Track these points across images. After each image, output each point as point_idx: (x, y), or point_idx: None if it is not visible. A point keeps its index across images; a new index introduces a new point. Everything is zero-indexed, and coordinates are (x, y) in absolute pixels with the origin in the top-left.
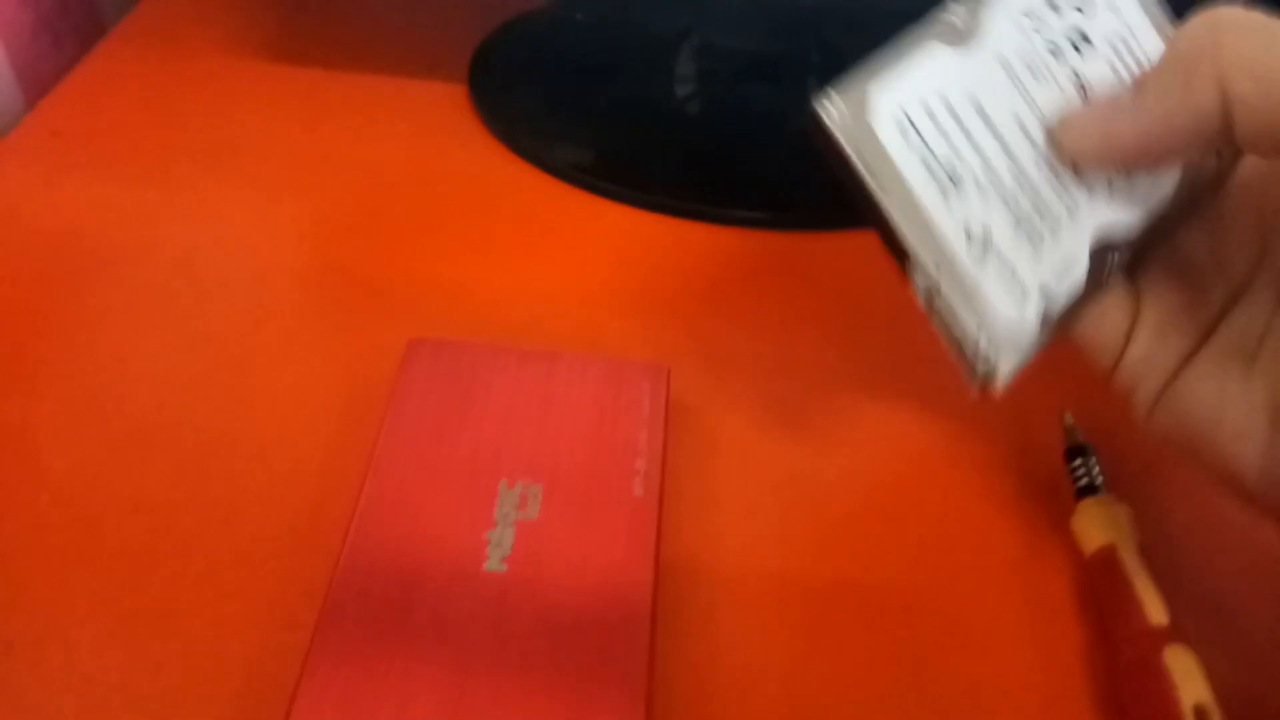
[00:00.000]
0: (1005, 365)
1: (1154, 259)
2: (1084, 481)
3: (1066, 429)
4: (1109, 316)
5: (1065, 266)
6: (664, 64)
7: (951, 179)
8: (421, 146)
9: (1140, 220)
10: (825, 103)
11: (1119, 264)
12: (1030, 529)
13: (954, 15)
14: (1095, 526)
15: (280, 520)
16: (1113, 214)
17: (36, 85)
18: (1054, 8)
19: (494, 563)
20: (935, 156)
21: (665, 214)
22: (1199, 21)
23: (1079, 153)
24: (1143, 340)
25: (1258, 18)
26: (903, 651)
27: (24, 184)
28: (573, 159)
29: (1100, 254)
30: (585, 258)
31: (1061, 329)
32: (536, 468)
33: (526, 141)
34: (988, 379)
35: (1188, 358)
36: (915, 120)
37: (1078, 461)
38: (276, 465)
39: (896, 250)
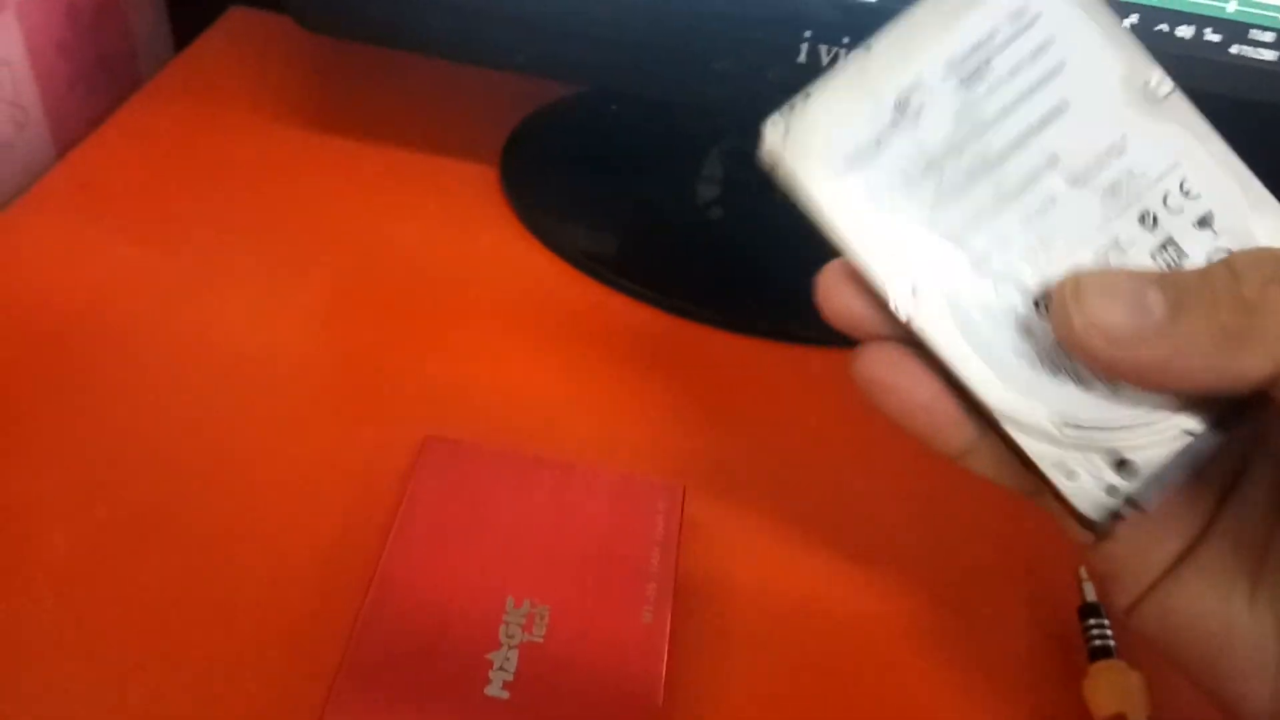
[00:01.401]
0: None
1: None
2: (1098, 643)
3: (1081, 584)
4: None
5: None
6: (695, 164)
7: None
8: (448, 228)
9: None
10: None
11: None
12: (1041, 685)
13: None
14: (1107, 693)
15: (280, 623)
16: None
17: (68, 136)
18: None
19: (495, 687)
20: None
21: (686, 318)
22: (1258, 270)
23: (1080, 343)
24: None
25: None
26: None
27: (46, 239)
28: (598, 253)
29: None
30: (604, 358)
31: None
32: (545, 587)
33: (553, 231)
34: None
35: (1181, 555)
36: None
37: (1091, 621)
38: (279, 563)
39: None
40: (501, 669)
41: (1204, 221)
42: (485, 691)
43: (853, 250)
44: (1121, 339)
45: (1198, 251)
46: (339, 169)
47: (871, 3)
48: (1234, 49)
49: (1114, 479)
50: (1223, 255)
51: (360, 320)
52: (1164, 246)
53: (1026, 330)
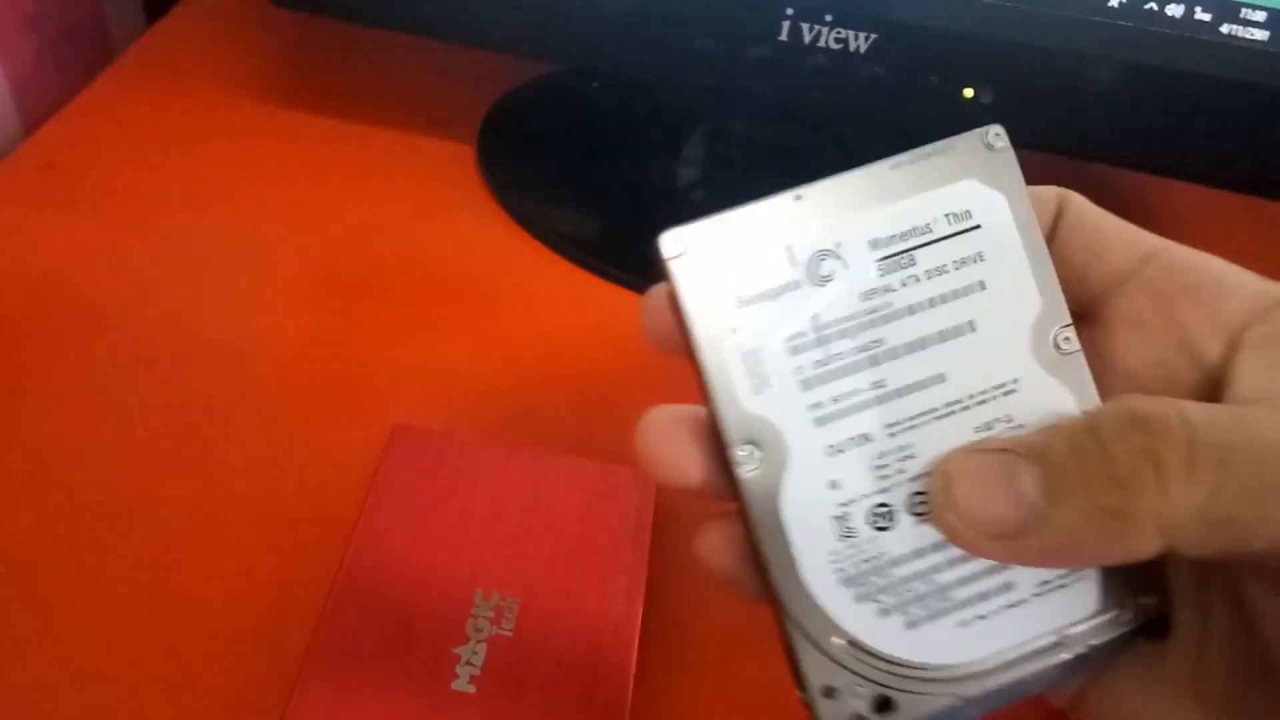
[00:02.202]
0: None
1: None
2: None
3: None
4: None
5: None
6: (675, 144)
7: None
8: (423, 208)
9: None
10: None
11: None
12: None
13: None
14: None
15: (245, 613)
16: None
17: (36, 112)
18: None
19: (463, 682)
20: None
21: None
22: (1126, 427)
23: (965, 542)
24: None
25: (1187, 419)
26: None
27: (12, 219)
28: (575, 235)
29: None
30: (579, 342)
31: None
32: (515, 579)
33: (530, 212)
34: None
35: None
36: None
37: None
38: (245, 553)
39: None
40: (469, 663)
41: None
42: (452, 686)
43: (711, 389)
44: (1006, 533)
45: None
46: (313, 148)
47: None
48: (1225, 28)
49: (869, 713)
50: None
51: (331, 304)
52: None
53: (851, 539)
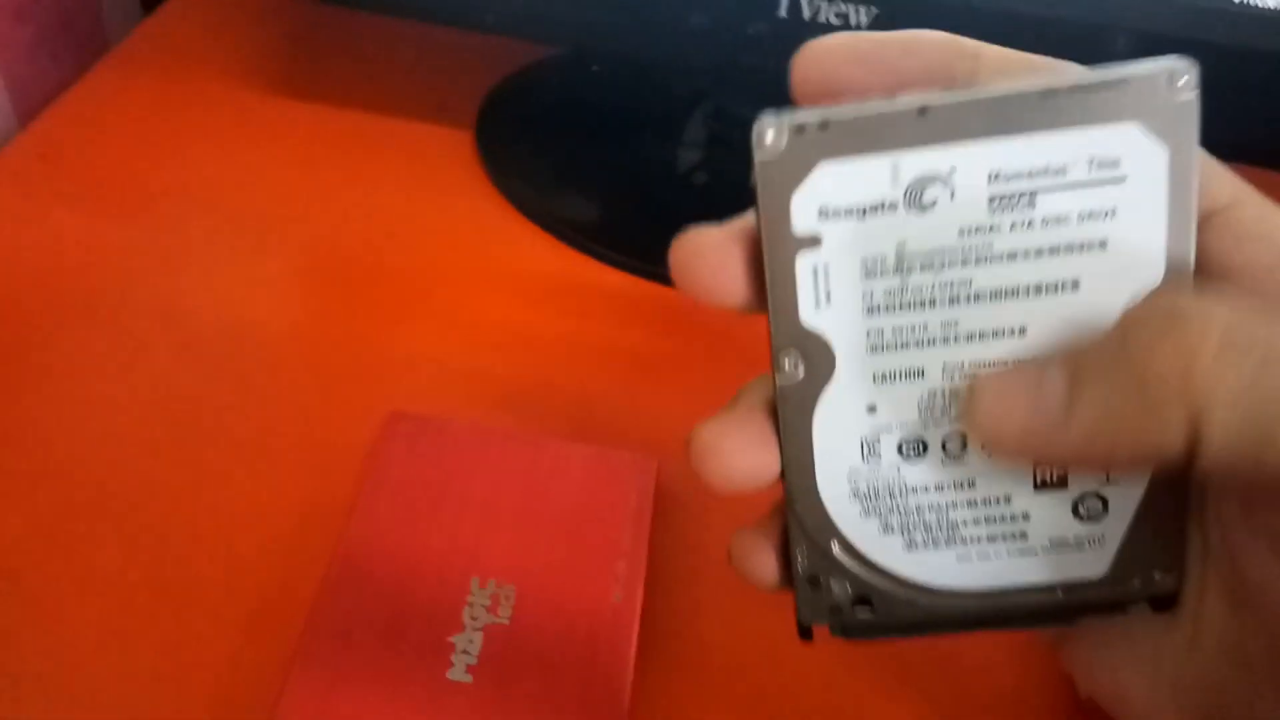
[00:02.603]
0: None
1: None
2: None
3: None
4: None
5: None
6: (677, 127)
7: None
8: (421, 194)
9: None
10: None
11: None
12: (1026, 652)
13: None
14: None
15: (241, 602)
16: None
17: (31, 103)
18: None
19: (459, 671)
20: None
21: (665, 284)
22: (1151, 327)
23: (996, 446)
24: None
25: (1228, 319)
26: None
27: (9, 209)
28: (574, 219)
29: None
30: (579, 327)
31: None
32: (512, 566)
33: (529, 198)
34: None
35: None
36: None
37: None
38: (240, 540)
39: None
40: (465, 652)
41: None
42: (447, 675)
43: (771, 293)
44: (1027, 439)
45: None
46: (310, 135)
47: None
48: None
49: (847, 607)
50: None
51: (328, 291)
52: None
53: (874, 461)
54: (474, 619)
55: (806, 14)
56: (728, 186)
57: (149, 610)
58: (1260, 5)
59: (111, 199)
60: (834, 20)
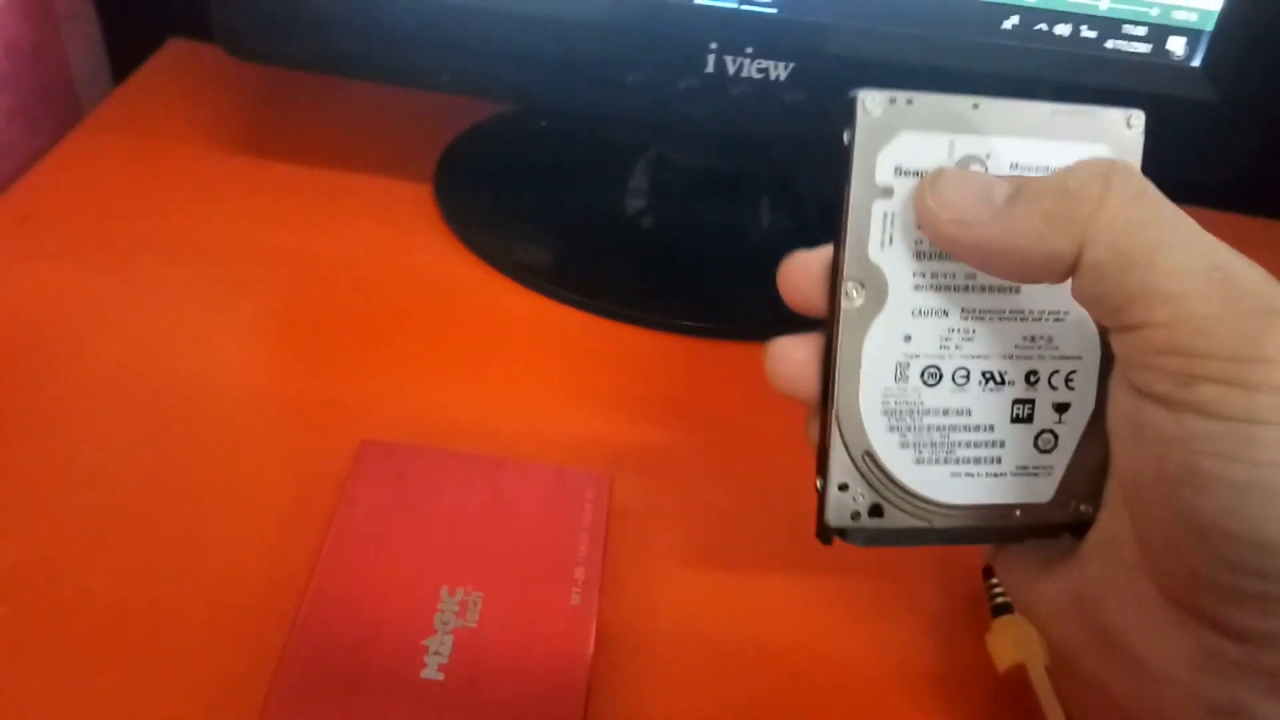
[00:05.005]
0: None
1: None
2: (1000, 600)
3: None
4: None
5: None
6: (622, 175)
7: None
8: (384, 244)
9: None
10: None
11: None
12: (950, 640)
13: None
14: (1007, 645)
15: (226, 620)
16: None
17: (9, 170)
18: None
19: (431, 670)
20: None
21: (615, 320)
22: (1097, 168)
23: (931, 224)
24: None
25: (1146, 189)
26: None
27: None
28: (530, 263)
29: None
30: (537, 361)
31: None
32: (479, 575)
33: (486, 243)
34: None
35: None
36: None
37: (994, 580)
38: (225, 563)
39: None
40: (436, 653)
41: (1060, 408)
42: (421, 675)
43: (844, 228)
44: (964, 220)
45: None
46: (277, 193)
47: (771, 14)
48: (1109, 43)
49: (864, 514)
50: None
51: (300, 337)
52: (1021, 403)
53: (902, 383)
54: (444, 623)
55: (730, 70)
56: (672, 229)
57: (140, 630)
58: (1130, 51)
59: (90, 255)
60: (755, 74)
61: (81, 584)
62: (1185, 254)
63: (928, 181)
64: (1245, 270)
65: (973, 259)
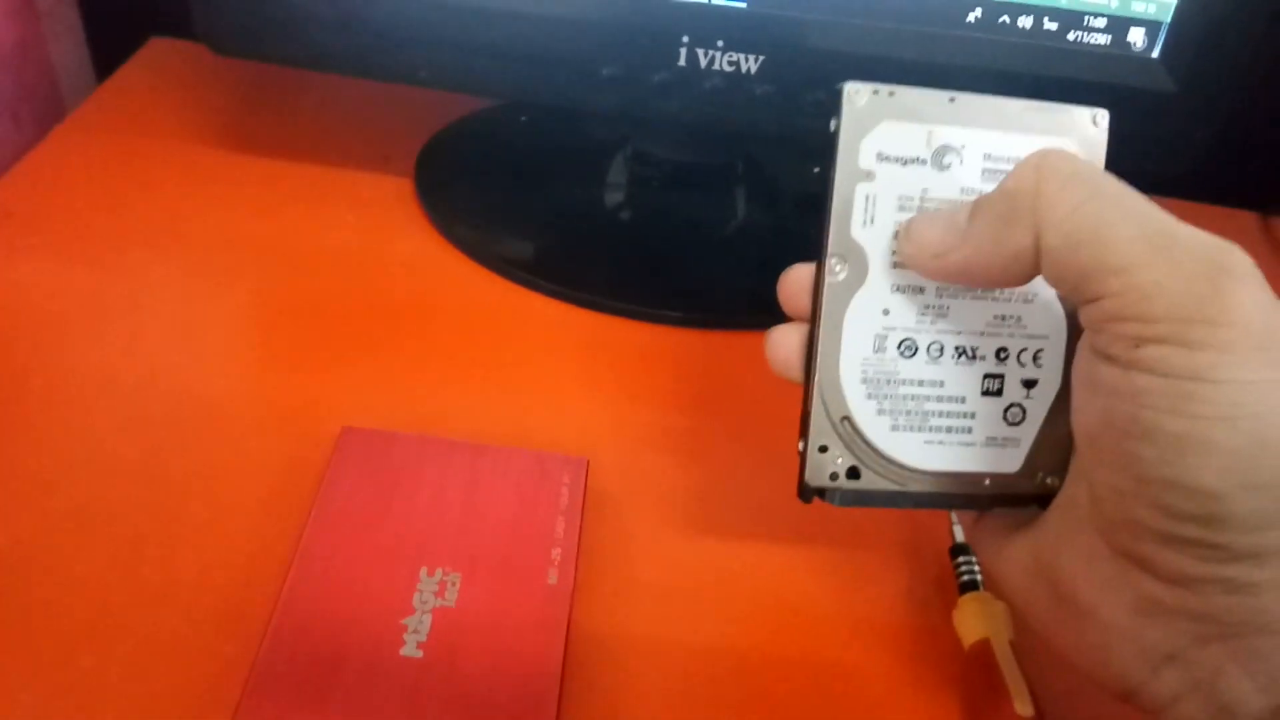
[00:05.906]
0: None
1: None
2: (966, 578)
3: (952, 527)
4: None
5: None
6: (600, 168)
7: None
8: (366, 238)
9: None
10: (855, 93)
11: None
12: (919, 618)
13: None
14: (973, 620)
15: (213, 602)
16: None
17: None
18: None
19: (410, 648)
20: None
21: (594, 310)
22: (1029, 162)
23: (915, 264)
24: None
25: (1077, 167)
26: None
27: None
28: (510, 255)
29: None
30: (517, 350)
31: None
32: (456, 556)
33: (467, 237)
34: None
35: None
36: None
37: (960, 559)
38: (209, 547)
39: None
40: (415, 631)
41: (1028, 384)
42: (400, 652)
43: (829, 208)
44: (940, 252)
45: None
46: (260, 188)
47: (742, 7)
48: (1071, 35)
49: (841, 475)
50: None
51: (284, 325)
52: (991, 378)
53: (880, 354)
54: (423, 603)
55: (703, 63)
56: (650, 221)
57: (125, 613)
58: (1090, 42)
59: (73, 249)
60: (727, 67)
61: (66, 570)
62: (1128, 225)
63: (903, 230)
64: (1188, 234)
65: (960, 280)
